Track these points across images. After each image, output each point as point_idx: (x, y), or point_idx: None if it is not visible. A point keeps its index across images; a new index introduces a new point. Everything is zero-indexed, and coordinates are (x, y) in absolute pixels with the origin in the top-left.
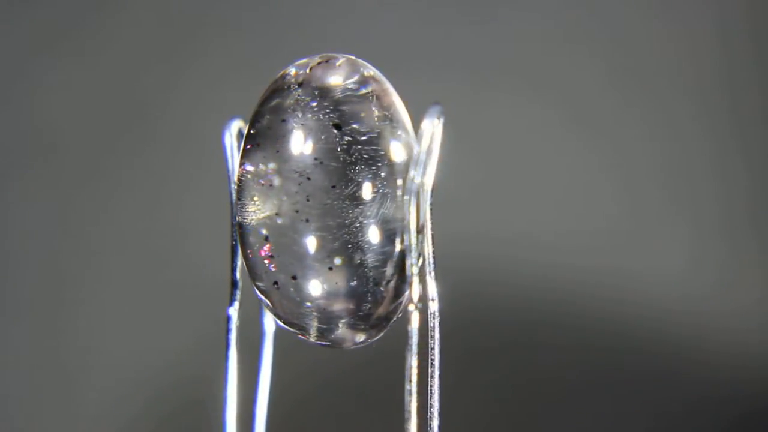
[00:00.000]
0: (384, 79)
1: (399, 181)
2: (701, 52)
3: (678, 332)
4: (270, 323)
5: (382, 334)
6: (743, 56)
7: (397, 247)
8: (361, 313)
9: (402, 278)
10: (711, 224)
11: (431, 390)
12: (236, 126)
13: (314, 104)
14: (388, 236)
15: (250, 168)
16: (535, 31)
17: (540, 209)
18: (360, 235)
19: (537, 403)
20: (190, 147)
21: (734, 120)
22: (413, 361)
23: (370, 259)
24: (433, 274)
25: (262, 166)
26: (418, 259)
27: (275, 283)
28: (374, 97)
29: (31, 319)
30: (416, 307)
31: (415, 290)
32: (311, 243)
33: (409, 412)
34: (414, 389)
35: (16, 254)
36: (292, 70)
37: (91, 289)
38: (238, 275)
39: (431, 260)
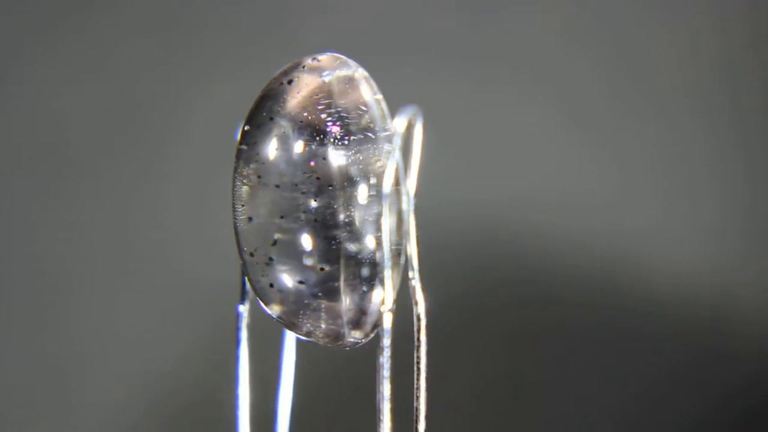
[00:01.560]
0: (371, 79)
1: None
2: (701, 51)
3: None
4: None
5: (373, 333)
6: (743, 55)
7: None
8: (355, 313)
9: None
10: (710, 223)
11: (417, 394)
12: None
13: (306, 105)
14: (381, 238)
15: (241, 168)
16: (534, 28)
17: (538, 207)
18: (353, 236)
19: (537, 362)
20: (190, 147)
21: (734, 118)
22: (385, 363)
23: (363, 260)
24: (417, 276)
25: (252, 166)
26: (400, 262)
27: (271, 284)
28: (366, 97)
29: (30, 322)
30: (389, 310)
31: (388, 293)
32: (304, 244)
33: (382, 414)
34: (386, 393)
35: (14, 255)
36: (285, 70)
37: (92, 290)
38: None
39: (415, 262)
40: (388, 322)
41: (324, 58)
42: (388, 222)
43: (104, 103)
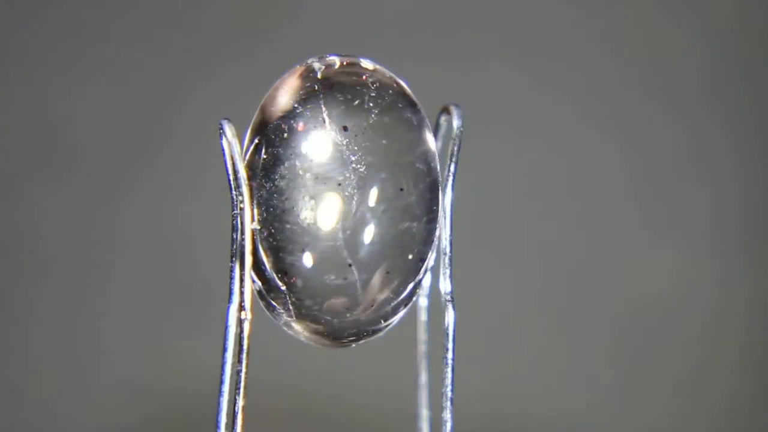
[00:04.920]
0: (394, 77)
1: (403, 180)
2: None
3: None
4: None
5: (381, 334)
6: (732, 58)
7: (408, 254)
8: (353, 313)
9: (400, 279)
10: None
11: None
12: (230, 128)
13: (325, 105)
14: (389, 238)
15: (266, 175)
16: (553, 22)
17: (540, 208)
18: (360, 236)
19: None
20: (196, 149)
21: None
22: (450, 354)
23: (373, 260)
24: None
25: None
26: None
27: (290, 281)
28: (381, 95)
29: (29, 322)
30: (451, 301)
31: (448, 284)
32: (324, 245)
33: (447, 399)
34: (450, 376)
35: (21, 256)
36: (303, 70)
37: (91, 291)
38: (236, 280)
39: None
40: (451, 315)
41: (332, 61)
42: (449, 218)
43: (110, 107)
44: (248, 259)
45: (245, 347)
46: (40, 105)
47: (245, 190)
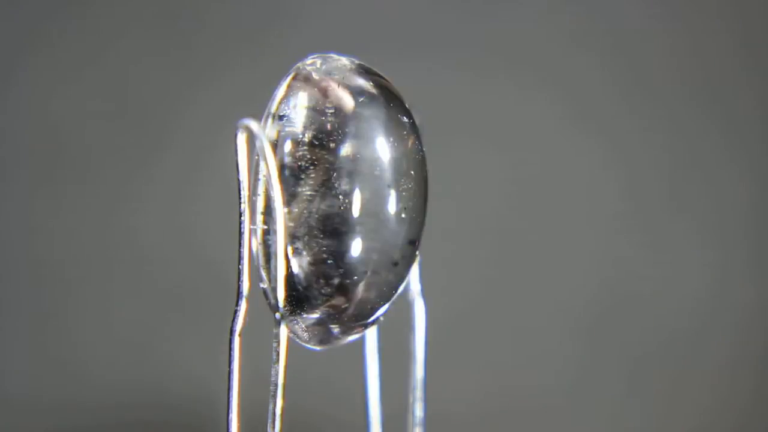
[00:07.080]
0: (388, 80)
1: (402, 179)
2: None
3: None
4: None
5: (364, 331)
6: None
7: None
8: (347, 312)
9: (391, 277)
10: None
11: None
12: (257, 124)
13: (324, 108)
14: (380, 236)
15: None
16: (537, 27)
17: (540, 207)
18: (353, 238)
19: None
20: (191, 147)
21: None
22: (418, 346)
23: (365, 259)
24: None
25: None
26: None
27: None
28: (374, 97)
29: (27, 322)
30: (419, 297)
31: (417, 282)
32: (319, 244)
33: (415, 393)
34: (420, 374)
35: (15, 255)
36: (305, 68)
37: (87, 292)
38: (245, 282)
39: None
40: (421, 310)
41: (332, 58)
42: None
43: (105, 105)
44: (281, 260)
45: (284, 347)
46: (41, 106)
47: (278, 189)
